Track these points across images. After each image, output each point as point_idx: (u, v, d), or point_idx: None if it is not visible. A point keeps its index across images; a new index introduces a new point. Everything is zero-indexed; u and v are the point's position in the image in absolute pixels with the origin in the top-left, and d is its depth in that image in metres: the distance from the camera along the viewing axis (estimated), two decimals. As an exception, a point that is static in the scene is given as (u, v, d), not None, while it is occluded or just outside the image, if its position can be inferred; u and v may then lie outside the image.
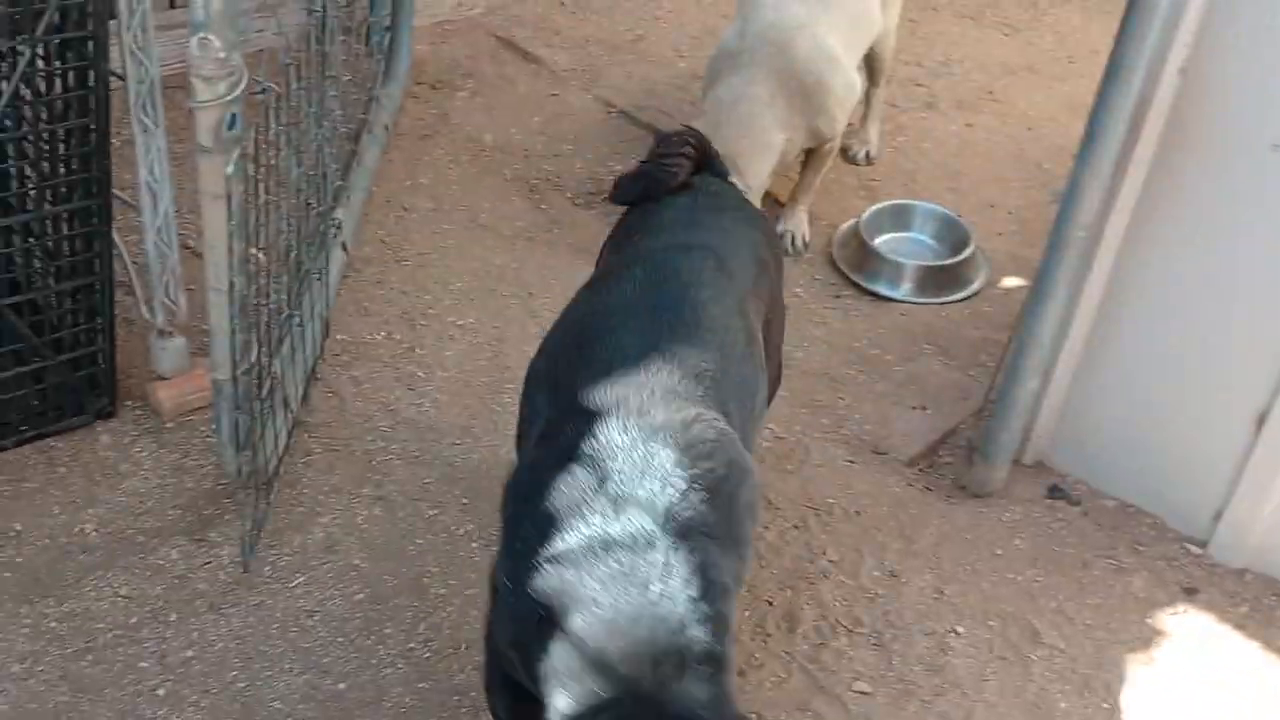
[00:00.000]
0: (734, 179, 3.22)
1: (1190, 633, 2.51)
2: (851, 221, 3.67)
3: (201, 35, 1.98)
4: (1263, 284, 2.45)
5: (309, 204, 2.72)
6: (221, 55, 1.99)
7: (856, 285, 3.50)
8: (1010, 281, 3.59)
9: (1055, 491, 2.82)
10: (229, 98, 2.02)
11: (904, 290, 3.49)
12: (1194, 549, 2.68)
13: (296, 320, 2.66)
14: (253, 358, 2.26)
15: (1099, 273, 2.63)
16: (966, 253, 3.55)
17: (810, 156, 3.58)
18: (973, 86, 4.57)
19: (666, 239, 2.19)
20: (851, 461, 2.87)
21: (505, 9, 4.47)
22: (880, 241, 3.63)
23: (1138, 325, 2.64)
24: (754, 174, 3.32)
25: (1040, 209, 3.86)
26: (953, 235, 3.66)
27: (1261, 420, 2.52)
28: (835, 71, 3.41)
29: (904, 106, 4.33)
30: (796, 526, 2.66)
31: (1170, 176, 2.48)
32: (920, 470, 2.91)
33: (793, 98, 3.35)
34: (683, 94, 4.23)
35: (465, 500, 2.61)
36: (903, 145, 4.15)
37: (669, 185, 2.31)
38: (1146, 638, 2.50)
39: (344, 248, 3.12)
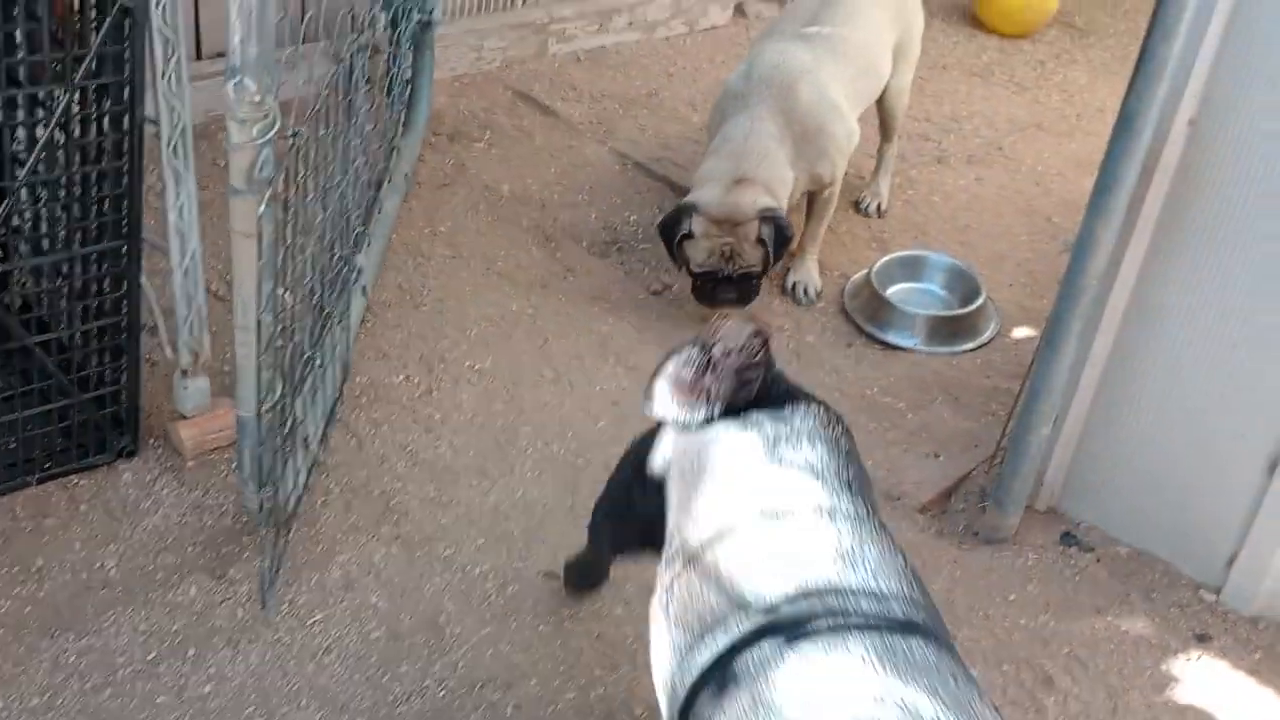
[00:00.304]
0: (766, 200, 3.32)
1: (1203, 679, 2.51)
2: (863, 272, 3.72)
3: (237, 79, 2.04)
4: (1273, 331, 2.48)
5: (333, 248, 2.78)
6: (257, 99, 2.05)
7: (868, 334, 3.54)
8: (1020, 332, 3.63)
9: (1068, 538, 2.83)
10: (262, 140, 2.07)
11: (915, 340, 3.53)
12: (1207, 595, 2.68)
13: (318, 361, 2.70)
14: (276, 396, 2.30)
15: (1110, 320, 2.66)
16: (977, 303, 3.59)
17: (812, 205, 3.64)
18: (981, 142, 4.65)
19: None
20: (865, 507, 2.89)
21: (523, 64, 4.56)
22: (892, 291, 3.67)
23: (1148, 372, 2.67)
24: (780, 200, 3.38)
25: (1049, 261, 3.91)
26: (964, 286, 3.70)
27: (1274, 466, 2.54)
28: (837, 118, 3.49)
29: (914, 161, 4.40)
30: (810, 570, 2.67)
31: (1180, 225, 2.52)
32: (933, 516, 2.93)
33: (797, 139, 3.42)
34: (696, 147, 4.30)
35: (481, 541, 2.63)
36: (913, 199, 4.21)
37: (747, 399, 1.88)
38: (1159, 684, 2.51)
39: (364, 292, 3.16)
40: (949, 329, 3.56)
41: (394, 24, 3.84)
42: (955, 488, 3.01)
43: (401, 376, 3.04)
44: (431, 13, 3.86)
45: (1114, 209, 2.43)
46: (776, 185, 3.37)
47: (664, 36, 4.99)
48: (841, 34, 3.59)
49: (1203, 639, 2.59)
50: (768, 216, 3.30)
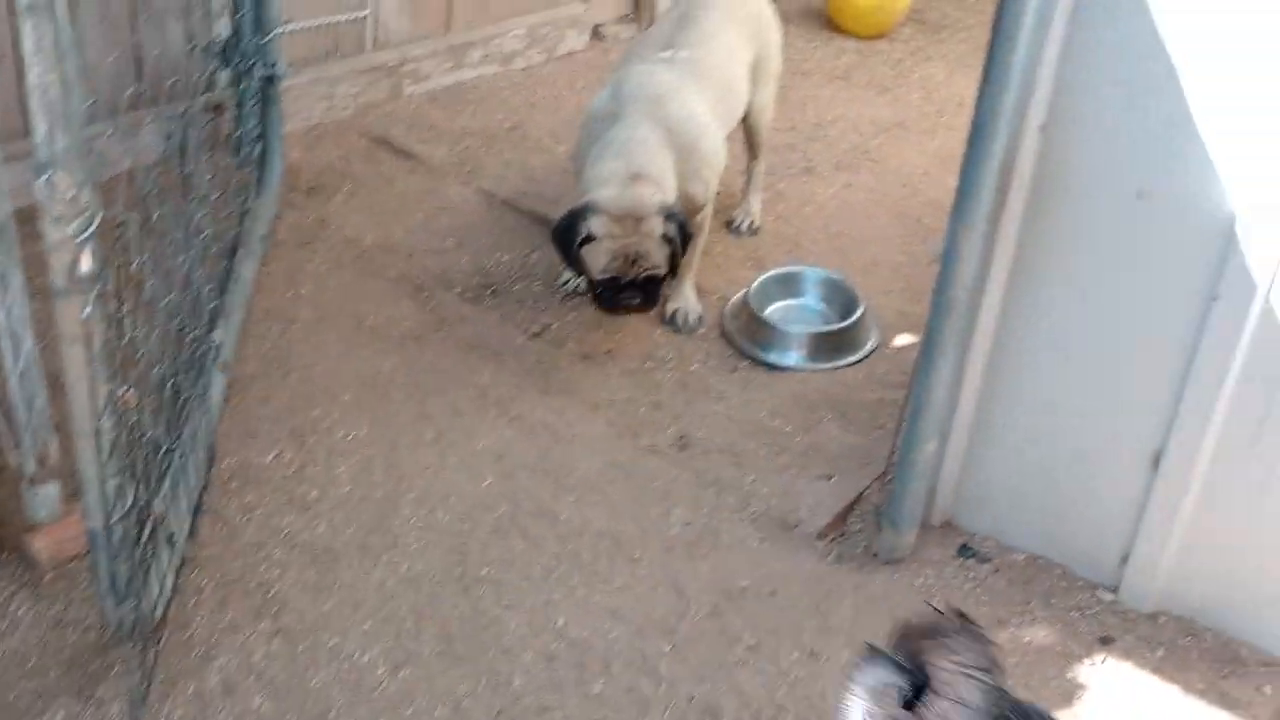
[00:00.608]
0: (664, 197, 3.24)
1: (1110, 682, 2.51)
2: (740, 293, 3.68)
3: (47, 175, 1.90)
4: (1141, 326, 2.49)
5: (182, 330, 2.64)
6: (70, 194, 1.92)
7: (751, 357, 3.50)
8: (901, 340, 3.62)
9: (965, 550, 2.81)
10: (81, 237, 1.94)
11: (797, 358, 3.50)
12: (1105, 596, 2.69)
13: (178, 452, 2.57)
14: (129, 502, 2.16)
15: (984, 330, 2.65)
16: (856, 315, 3.57)
17: None
18: (848, 147, 4.65)
19: None
20: (762, 540, 2.84)
21: (377, 108, 4.44)
22: (771, 311, 3.64)
23: (1027, 378, 2.66)
24: (673, 194, 3.31)
25: (923, 265, 3.92)
26: (841, 298, 3.69)
27: (1157, 460, 2.55)
28: (705, 135, 3.46)
29: (783, 173, 4.38)
30: (711, 614, 2.62)
31: (1042, 230, 2.52)
32: (831, 541, 2.89)
33: (677, 152, 3.37)
34: (564, 178, 4.22)
35: (367, 625, 2.51)
36: (784, 212, 4.19)
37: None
38: (1068, 692, 2.50)
39: (225, 368, 3.02)
40: (831, 344, 3.53)
41: (237, 81, 3.71)
42: (851, 508, 2.98)
43: (272, 454, 2.91)
44: (275, 66, 3.72)
45: (975, 221, 2.41)
46: (668, 185, 3.29)
47: (522, 67, 4.90)
48: (698, 56, 3.55)
49: (1106, 641, 2.59)
50: (670, 213, 3.22)
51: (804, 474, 3.06)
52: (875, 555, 2.82)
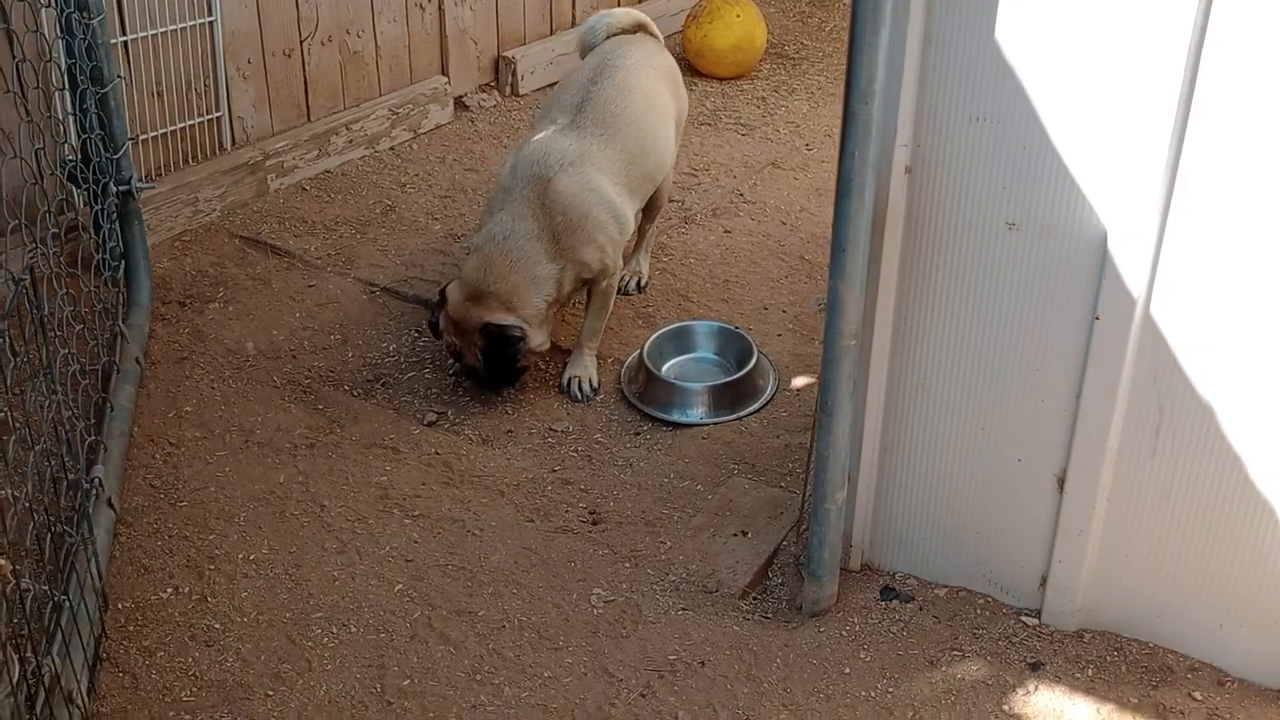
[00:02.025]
0: (496, 317, 3.35)
1: (1044, 708, 2.51)
2: (635, 353, 3.66)
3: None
4: (1029, 352, 2.51)
5: (55, 479, 2.51)
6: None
7: (654, 418, 3.47)
8: (799, 381, 3.63)
9: (888, 592, 2.80)
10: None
11: (700, 414, 3.47)
12: (1029, 620, 2.70)
13: (66, 605, 2.44)
14: (14, 677, 2.04)
15: (877, 372, 2.66)
16: (751, 363, 3.56)
17: (590, 297, 3.56)
18: (723, 192, 4.67)
19: None
20: (685, 609, 2.80)
21: (244, 207, 4.34)
22: (668, 368, 3.62)
23: (924, 413, 2.67)
24: (528, 306, 3.39)
25: (812, 311, 3.94)
26: (736, 346, 3.68)
27: (1062, 480, 2.57)
28: (603, 206, 3.45)
29: (663, 226, 4.38)
30: (643, 695, 2.56)
31: (921, 269, 2.53)
32: (754, 599, 2.86)
33: (558, 232, 3.38)
34: (443, 257, 4.17)
35: (289, 759, 2.41)
36: (669, 265, 4.18)
37: None
38: (1006, 724, 2.49)
39: (110, 504, 2.89)
40: (731, 395, 3.52)
41: (93, 201, 3.59)
42: (769, 563, 2.96)
43: (169, 590, 2.79)
44: (130, 180, 3.61)
45: (854, 275, 2.42)
46: (522, 293, 3.39)
47: (389, 147, 4.84)
48: (612, 113, 3.55)
49: (1036, 667, 2.59)
50: (491, 331, 3.37)
51: (719, 533, 3.03)
52: (800, 608, 2.80)
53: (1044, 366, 2.50)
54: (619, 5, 5.83)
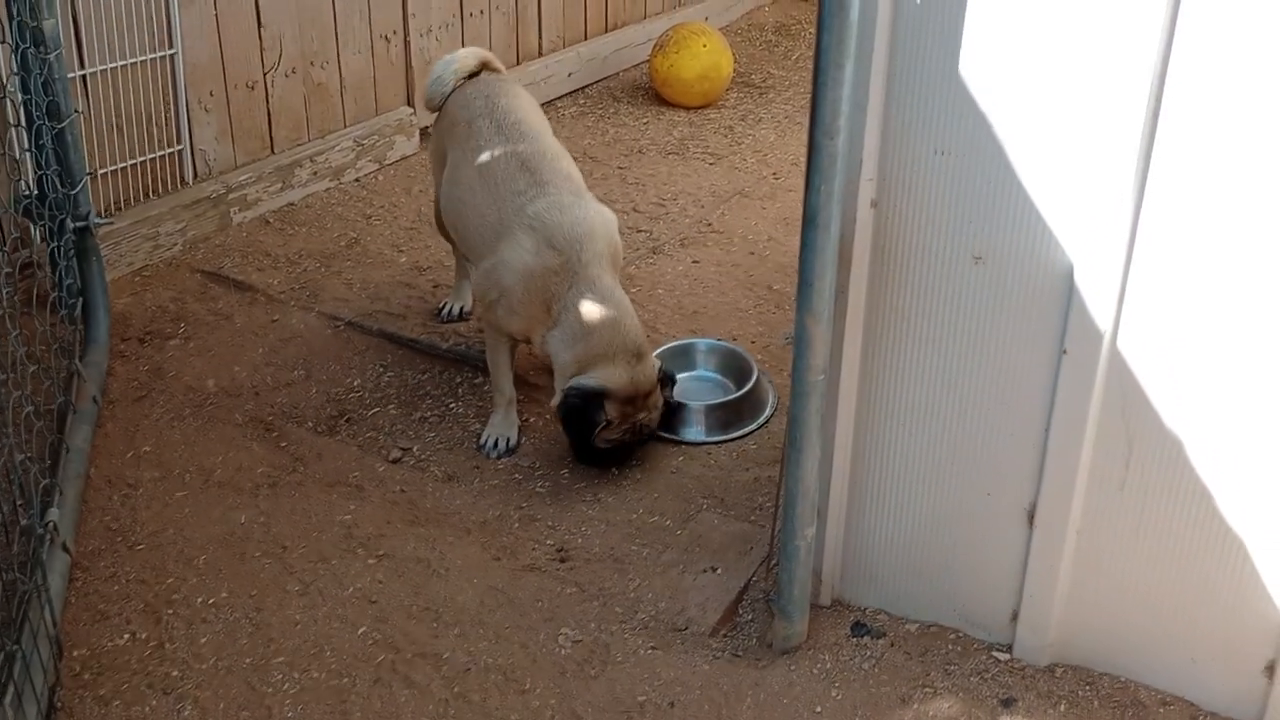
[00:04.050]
0: (658, 363, 3.30)
1: (1019, 745, 2.49)
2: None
3: None
4: (998, 386, 2.49)
5: (8, 524, 2.45)
6: None
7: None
8: (767, 412, 3.60)
9: (859, 628, 2.77)
10: None
11: (698, 432, 3.48)
12: (1001, 656, 2.67)
13: (19, 655, 2.37)
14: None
15: (846, 406, 2.63)
16: (751, 383, 3.57)
17: None
18: (691, 221, 4.66)
19: None
20: (654, 648, 2.76)
21: (206, 241, 4.29)
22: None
23: (893, 447, 2.65)
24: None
25: (780, 344, 3.92)
26: (737, 365, 3.71)
27: (1031, 515, 2.55)
28: (616, 228, 3.44)
29: (630, 256, 4.36)
30: (612, 738, 2.52)
31: (888, 302, 2.51)
32: (725, 637, 2.82)
33: (615, 261, 3.37)
34: (409, 290, 4.13)
35: (248, 812, 2.35)
36: (638, 296, 4.16)
37: None
38: (980, 763, 2.46)
39: (65, 549, 2.83)
40: (732, 414, 3.53)
41: (49, 237, 3.53)
42: (740, 600, 2.92)
43: (125, 636, 2.72)
44: (87, 215, 3.55)
45: (821, 305, 2.40)
46: (643, 332, 3.32)
47: (354, 179, 4.81)
48: (539, 151, 3.47)
49: (1008, 703, 2.56)
50: (666, 378, 3.33)
51: (689, 570, 2.99)
52: (770, 646, 2.76)
53: (1012, 400, 2.49)
54: (584, 39, 5.84)
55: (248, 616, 2.79)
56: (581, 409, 3.18)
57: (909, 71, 2.31)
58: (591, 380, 3.17)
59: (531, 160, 3.41)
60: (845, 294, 2.50)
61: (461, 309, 3.93)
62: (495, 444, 3.41)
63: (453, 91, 3.70)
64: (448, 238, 3.81)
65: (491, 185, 3.38)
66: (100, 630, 2.73)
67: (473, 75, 3.75)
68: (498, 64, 3.86)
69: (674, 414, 3.48)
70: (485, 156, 3.45)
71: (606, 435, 3.23)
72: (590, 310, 3.20)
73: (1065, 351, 2.39)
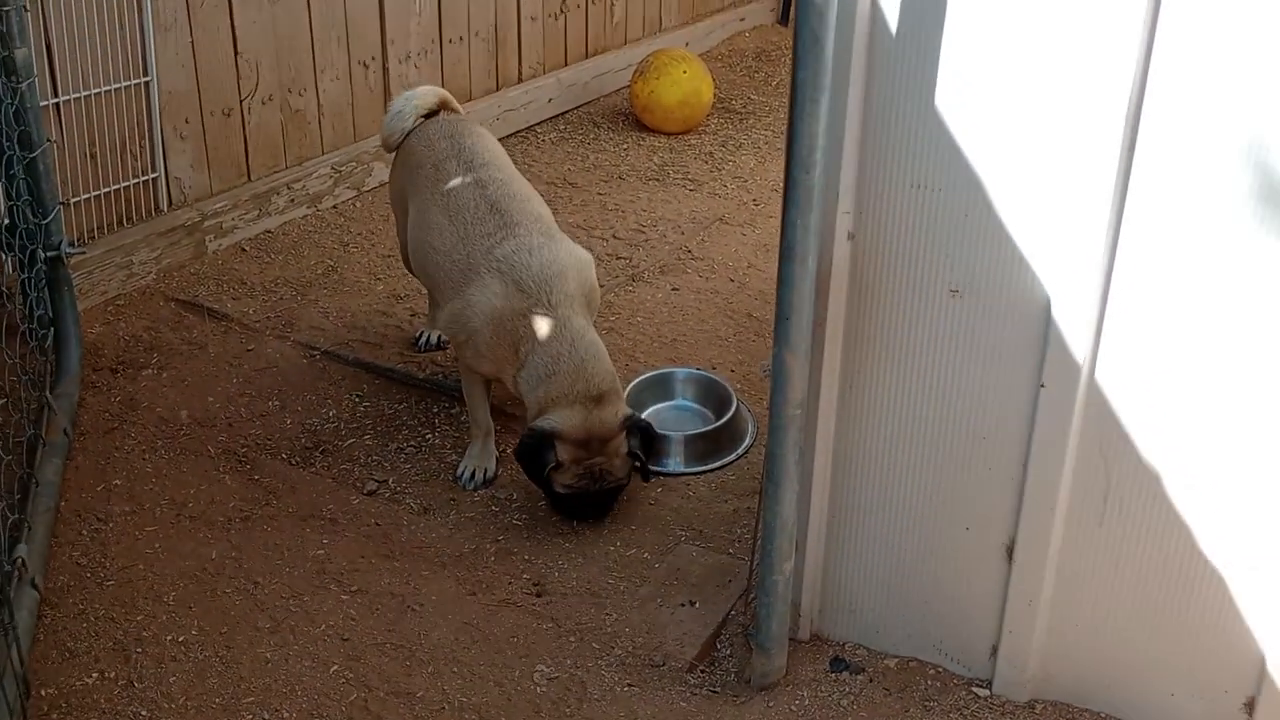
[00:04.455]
0: (626, 409, 3.16)
1: (999, 783, 2.46)
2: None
3: None
4: (975, 420, 2.48)
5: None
6: None
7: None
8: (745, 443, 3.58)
9: (838, 663, 2.75)
10: None
11: (676, 463, 3.45)
12: (980, 691, 2.65)
13: (-19, 697, 2.32)
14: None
15: (824, 440, 2.61)
16: (730, 413, 3.54)
17: None
18: (671, 248, 4.65)
19: None
20: (631, 684, 2.72)
21: (181, 269, 4.25)
22: (647, 415, 3.61)
23: (872, 481, 2.63)
24: (621, 395, 3.23)
25: (759, 360, 3.91)
26: (715, 395, 3.69)
27: (1010, 550, 2.54)
28: (591, 260, 3.38)
29: (610, 283, 4.34)
30: (588, 778, 2.48)
31: (865, 335, 2.50)
32: (702, 672, 2.79)
33: (589, 303, 3.29)
34: (386, 319, 4.10)
35: None
36: (616, 324, 4.14)
37: None
38: (960, 801, 2.44)
39: (34, 585, 2.78)
40: (710, 445, 3.50)
41: (20, 267, 3.49)
42: (718, 634, 2.89)
43: (94, 675, 2.67)
44: (59, 245, 3.52)
45: (799, 339, 2.38)
46: (616, 380, 3.19)
47: (331, 206, 4.78)
48: (509, 193, 3.41)
49: (988, 740, 2.54)
50: (634, 426, 3.17)
51: (666, 604, 2.96)
52: (748, 681, 2.73)
53: (991, 434, 2.47)
54: (564, 65, 5.84)
55: (218, 654, 2.75)
56: (533, 449, 3.10)
57: (885, 105, 2.30)
58: (546, 422, 3.10)
59: (501, 202, 3.36)
60: (823, 327, 2.48)
61: (439, 338, 3.91)
62: (473, 475, 3.37)
63: (411, 130, 3.65)
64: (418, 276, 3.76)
65: (460, 228, 3.32)
66: (69, 668, 2.69)
67: (431, 114, 3.69)
68: (456, 104, 3.80)
69: (653, 445, 3.46)
70: (453, 199, 3.39)
71: (561, 479, 3.14)
72: (554, 352, 3.13)
73: (1043, 385, 2.38)
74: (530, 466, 3.15)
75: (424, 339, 3.92)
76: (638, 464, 3.20)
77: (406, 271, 4.36)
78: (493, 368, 3.25)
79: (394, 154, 3.76)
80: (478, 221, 3.32)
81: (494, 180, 3.44)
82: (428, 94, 3.73)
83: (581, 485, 3.15)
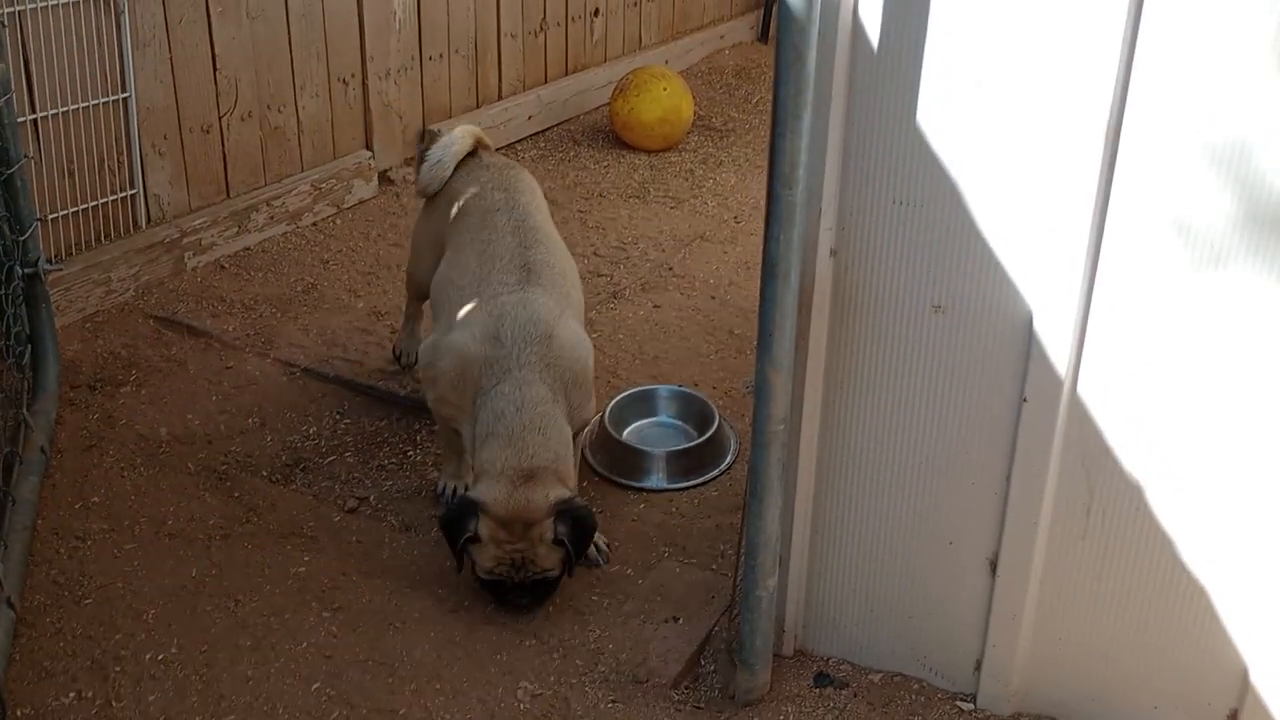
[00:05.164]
0: (560, 491, 2.87)
1: (984, 798, 2.46)
2: (595, 417, 3.59)
3: None
4: (958, 434, 2.49)
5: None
6: None
7: (612, 483, 3.44)
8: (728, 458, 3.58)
9: (822, 679, 2.74)
10: None
11: (659, 479, 3.46)
12: (964, 705, 2.65)
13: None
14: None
15: (807, 455, 2.62)
16: (712, 429, 3.55)
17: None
18: (652, 265, 4.65)
19: None
20: (615, 701, 2.71)
21: (160, 286, 4.22)
22: (628, 433, 3.61)
23: (855, 496, 2.63)
24: (571, 475, 2.97)
25: (741, 377, 3.91)
26: (698, 411, 3.69)
27: (994, 564, 2.54)
28: (589, 352, 3.16)
29: (591, 301, 4.33)
30: (572, 796, 2.47)
31: (848, 351, 2.51)
32: (686, 689, 2.78)
33: (568, 389, 3.04)
34: (366, 336, 4.09)
35: None
36: (597, 341, 4.12)
37: None
38: (945, 816, 2.43)
39: (10, 604, 2.75)
40: (693, 461, 3.51)
41: (-3, 283, 3.46)
42: (701, 650, 2.88)
43: (71, 694, 2.64)
44: (37, 261, 3.49)
45: (782, 356, 2.38)
46: (565, 460, 2.93)
47: (311, 223, 4.77)
48: (548, 262, 3.25)
49: (972, 755, 2.55)
50: (564, 510, 2.86)
51: (650, 620, 2.95)
52: (733, 697, 2.72)
53: (973, 448, 2.48)
54: (544, 82, 5.85)
55: (198, 673, 2.72)
56: (455, 513, 2.89)
57: (867, 121, 2.31)
58: (474, 491, 2.89)
59: (535, 267, 3.20)
60: (806, 342, 2.49)
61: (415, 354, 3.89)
62: (454, 492, 3.36)
63: (453, 175, 3.54)
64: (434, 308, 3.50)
65: (486, 274, 3.18)
66: (45, 688, 2.66)
67: (470, 155, 3.58)
68: (487, 139, 3.70)
69: (634, 461, 3.45)
70: (491, 248, 3.24)
71: (481, 561, 2.88)
72: (498, 410, 2.91)
73: (1025, 400, 2.39)
74: (448, 532, 2.91)
75: (402, 355, 3.91)
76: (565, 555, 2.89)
77: (388, 287, 4.36)
78: (451, 413, 3.07)
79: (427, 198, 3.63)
80: (504, 273, 3.16)
81: (538, 245, 3.27)
82: (464, 137, 3.60)
83: (501, 572, 2.88)
